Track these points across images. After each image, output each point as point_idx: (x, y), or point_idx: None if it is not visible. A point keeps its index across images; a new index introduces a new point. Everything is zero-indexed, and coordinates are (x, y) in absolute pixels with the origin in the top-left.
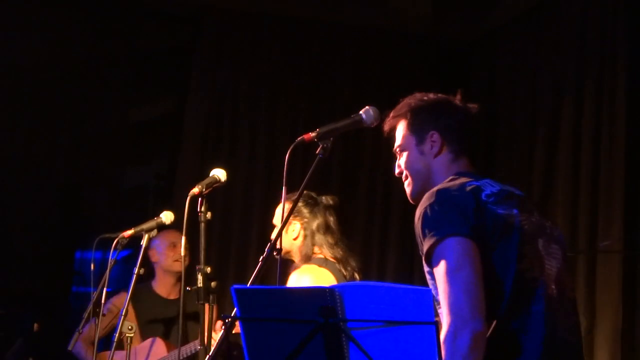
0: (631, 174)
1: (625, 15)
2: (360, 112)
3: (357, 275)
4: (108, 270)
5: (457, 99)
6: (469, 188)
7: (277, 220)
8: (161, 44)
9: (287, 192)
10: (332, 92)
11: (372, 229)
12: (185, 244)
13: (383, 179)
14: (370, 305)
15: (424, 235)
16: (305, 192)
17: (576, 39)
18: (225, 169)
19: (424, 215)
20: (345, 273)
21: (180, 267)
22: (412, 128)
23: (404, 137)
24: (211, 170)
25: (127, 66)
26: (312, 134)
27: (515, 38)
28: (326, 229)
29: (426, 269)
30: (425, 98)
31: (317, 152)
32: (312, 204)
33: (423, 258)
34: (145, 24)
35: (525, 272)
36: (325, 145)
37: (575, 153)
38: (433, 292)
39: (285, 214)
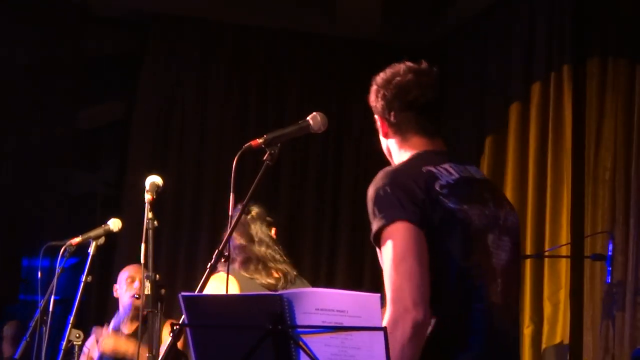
0: (577, 179)
1: (572, 21)
2: (308, 118)
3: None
4: (55, 278)
5: (413, 70)
6: (423, 175)
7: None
8: (109, 50)
9: (235, 199)
10: (281, 98)
11: (321, 234)
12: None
13: (331, 183)
14: (319, 311)
15: (374, 215)
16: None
17: (524, 44)
18: (174, 175)
19: (375, 194)
20: (256, 277)
21: (137, 302)
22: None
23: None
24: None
25: (74, 71)
26: (260, 140)
27: (464, 43)
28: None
29: (377, 249)
30: (376, 78)
31: (264, 158)
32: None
33: (372, 238)
34: (94, 29)
35: (469, 270)
36: (272, 151)
37: (523, 159)
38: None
39: (232, 223)
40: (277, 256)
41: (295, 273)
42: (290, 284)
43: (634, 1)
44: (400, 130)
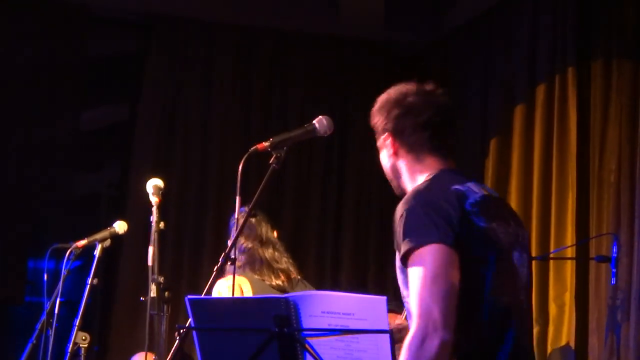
0: (582, 180)
1: (576, 21)
2: (314, 121)
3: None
4: (61, 281)
5: (422, 91)
6: (454, 194)
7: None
8: (113, 51)
9: (241, 202)
10: (284, 99)
11: (326, 237)
12: None
13: (336, 188)
14: (325, 314)
15: (405, 235)
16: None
17: (527, 45)
18: (178, 177)
19: (407, 217)
20: (265, 279)
21: None
22: (375, 129)
23: (376, 137)
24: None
25: (78, 73)
26: (266, 144)
27: (467, 44)
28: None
29: (398, 264)
30: (384, 96)
31: (270, 162)
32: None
33: (399, 256)
34: (97, 30)
35: (502, 289)
36: (278, 155)
37: (527, 162)
38: (402, 288)
39: (239, 226)
40: (284, 258)
41: (299, 276)
42: (295, 285)
43: (638, 3)
44: (413, 151)
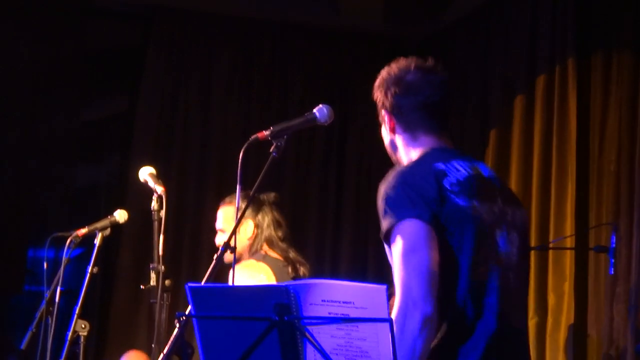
0: (582, 171)
1: (575, 13)
2: (314, 110)
3: (302, 270)
4: (62, 269)
5: (423, 68)
6: (433, 172)
7: (220, 224)
8: (112, 43)
9: (241, 191)
10: (284, 91)
11: (325, 228)
12: None
13: (335, 175)
14: (325, 303)
15: (385, 213)
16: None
17: (527, 37)
18: (177, 167)
19: (387, 194)
20: (288, 270)
21: None
22: (377, 105)
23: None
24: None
25: (78, 64)
26: (266, 132)
27: (467, 36)
28: (277, 225)
29: (386, 247)
30: (385, 72)
31: (270, 150)
32: (258, 203)
33: (382, 237)
34: (96, 22)
35: (479, 265)
36: (279, 143)
37: (527, 151)
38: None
39: (239, 213)
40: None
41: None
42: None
43: None
44: (409, 129)
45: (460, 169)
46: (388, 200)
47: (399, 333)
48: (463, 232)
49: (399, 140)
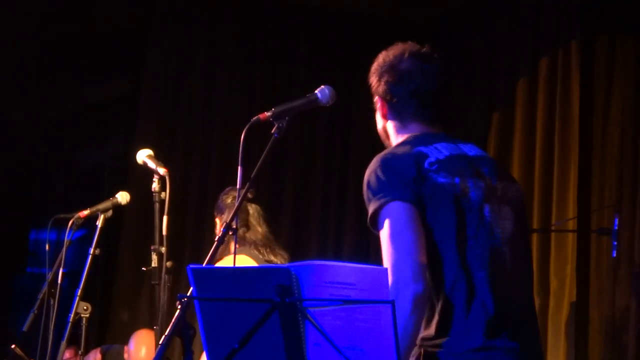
0: (584, 154)
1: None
2: (316, 91)
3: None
4: (64, 251)
5: (418, 55)
6: (413, 155)
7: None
8: (117, 25)
9: (243, 172)
10: (288, 72)
11: (329, 208)
12: None
13: (340, 158)
14: (327, 284)
15: (369, 200)
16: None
17: (532, 20)
18: (181, 149)
19: (368, 180)
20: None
21: None
22: (371, 90)
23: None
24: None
25: (82, 46)
26: (268, 114)
27: (472, 19)
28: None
29: (375, 232)
30: (380, 57)
31: (272, 131)
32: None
33: (368, 222)
34: (100, 4)
35: (467, 240)
36: (280, 124)
37: (530, 135)
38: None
39: (239, 197)
40: (272, 237)
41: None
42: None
43: None
44: (400, 116)
45: (442, 149)
46: (369, 186)
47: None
48: (447, 209)
49: (390, 126)
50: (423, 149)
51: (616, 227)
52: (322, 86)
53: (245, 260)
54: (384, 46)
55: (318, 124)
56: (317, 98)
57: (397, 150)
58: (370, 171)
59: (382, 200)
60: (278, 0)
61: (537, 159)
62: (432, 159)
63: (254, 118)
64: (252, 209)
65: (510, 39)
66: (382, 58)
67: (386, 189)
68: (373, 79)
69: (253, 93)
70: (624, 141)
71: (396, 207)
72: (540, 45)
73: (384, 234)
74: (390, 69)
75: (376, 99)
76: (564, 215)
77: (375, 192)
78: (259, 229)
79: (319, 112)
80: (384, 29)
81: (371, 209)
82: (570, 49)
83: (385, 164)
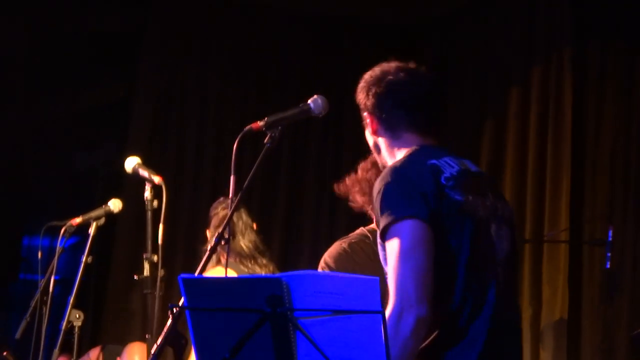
0: (577, 164)
1: (572, 4)
2: (309, 101)
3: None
4: (56, 258)
5: (403, 69)
6: (428, 168)
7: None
8: (110, 28)
9: (236, 181)
10: (282, 79)
11: (321, 217)
12: None
13: (331, 168)
14: (318, 295)
15: (382, 212)
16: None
17: (524, 28)
18: (174, 155)
19: (383, 192)
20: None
21: None
22: (360, 109)
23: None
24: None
25: (76, 50)
26: (261, 123)
27: (464, 26)
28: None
29: (379, 242)
30: (367, 75)
31: (265, 141)
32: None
33: (378, 233)
34: (94, 7)
35: (478, 262)
36: (273, 134)
37: (523, 144)
38: (383, 264)
39: (232, 206)
40: (262, 247)
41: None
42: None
43: None
44: (391, 128)
45: (452, 164)
46: (385, 197)
47: (392, 332)
48: (462, 228)
49: (381, 142)
50: (436, 162)
51: (610, 238)
52: (315, 96)
53: (224, 273)
54: (377, 53)
55: (311, 131)
56: (310, 108)
57: (411, 163)
58: (386, 182)
59: (398, 215)
60: (272, 8)
61: (529, 168)
62: (447, 175)
63: (247, 127)
64: (240, 219)
65: (503, 47)
66: (369, 74)
67: (403, 203)
68: (361, 96)
69: (246, 100)
70: (616, 150)
71: (412, 225)
72: (533, 53)
73: (394, 250)
74: (378, 81)
75: (365, 115)
76: (557, 225)
77: (390, 205)
78: (243, 240)
79: (312, 120)
80: (377, 37)
81: (384, 221)
82: (562, 57)
83: (402, 176)
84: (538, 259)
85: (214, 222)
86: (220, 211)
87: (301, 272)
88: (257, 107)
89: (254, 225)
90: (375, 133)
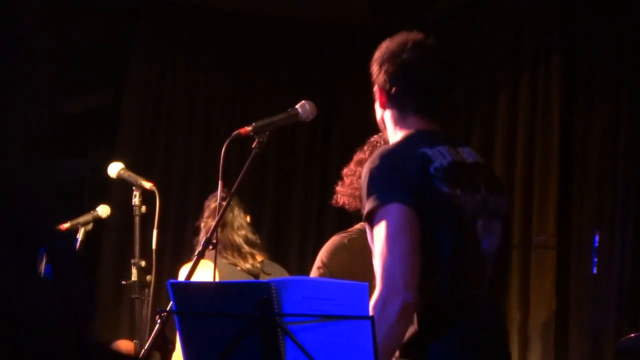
0: (565, 169)
1: (561, 12)
2: (297, 106)
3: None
4: (43, 264)
5: (421, 46)
6: (418, 157)
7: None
8: (98, 35)
9: (224, 186)
10: (269, 84)
11: (309, 222)
12: None
13: (319, 172)
14: (307, 300)
15: (368, 195)
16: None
17: (512, 35)
18: (162, 161)
19: (370, 175)
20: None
21: None
22: (372, 79)
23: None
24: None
25: (62, 57)
26: (248, 128)
27: (452, 33)
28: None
29: (367, 229)
30: (384, 46)
31: (252, 146)
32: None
33: (364, 217)
34: (82, 14)
35: (459, 255)
36: (261, 139)
37: (510, 149)
38: (372, 249)
39: (220, 210)
40: (255, 240)
41: (265, 259)
42: (264, 267)
43: None
44: (398, 107)
45: (446, 154)
46: (372, 181)
47: (377, 318)
48: (444, 220)
49: (387, 116)
50: (428, 150)
51: (597, 244)
52: (303, 101)
53: (204, 264)
54: (365, 58)
55: (299, 132)
56: (297, 113)
57: (401, 149)
58: (373, 166)
59: (385, 199)
60: (260, 13)
61: (517, 174)
62: (436, 165)
63: (235, 133)
64: (231, 211)
65: (491, 54)
66: (385, 46)
67: (388, 187)
68: (374, 67)
69: (235, 104)
70: (604, 156)
71: (397, 209)
72: (521, 60)
73: (380, 234)
74: (392, 58)
75: (375, 87)
76: (545, 230)
77: (377, 189)
78: (233, 232)
79: (300, 123)
80: (365, 41)
81: (369, 205)
82: (551, 64)
83: (389, 161)
84: (526, 264)
85: (206, 213)
86: (212, 203)
87: (290, 277)
88: (245, 112)
89: (248, 218)
90: (383, 107)
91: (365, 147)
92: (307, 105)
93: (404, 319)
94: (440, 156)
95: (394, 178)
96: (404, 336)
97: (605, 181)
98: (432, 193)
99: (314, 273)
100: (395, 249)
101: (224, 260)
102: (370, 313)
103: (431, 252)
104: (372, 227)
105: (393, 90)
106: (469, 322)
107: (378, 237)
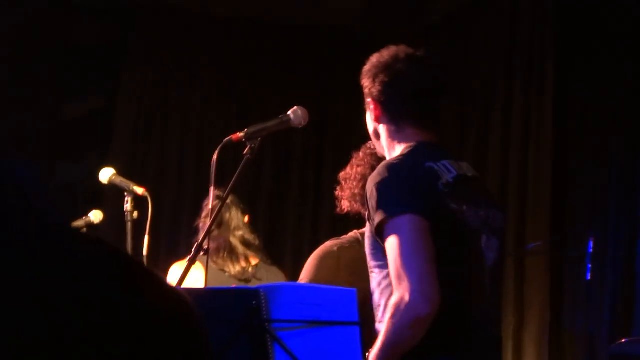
0: (558, 176)
1: (555, 20)
2: (289, 112)
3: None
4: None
5: (414, 57)
6: (425, 171)
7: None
8: (92, 40)
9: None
10: (264, 90)
11: (303, 228)
12: None
13: (313, 175)
14: (296, 306)
15: (378, 208)
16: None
17: (506, 43)
18: (156, 167)
19: (379, 189)
20: (225, 268)
21: None
22: (363, 91)
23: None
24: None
25: (57, 62)
26: (241, 134)
27: (445, 40)
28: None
29: (368, 234)
30: (375, 58)
31: (244, 152)
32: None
33: (372, 228)
34: (77, 18)
35: (463, 271)
36: (253, 145)
37: (504, 156)
38: (369, 259)
39: (212, 215)
40: (252, 241)
41: (262, 262)
42: (258, 271)
43: (615, 5)
44: (394, 119)
45: (450, 169)
46: (382, 193)
47: (390, 323)
48: (451, 237)
49: (382, 130)
50: (433, 165)
51: (591, 250)
52: (295, 107)
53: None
54: (358, 63)
55: (294, 136)
56: (290, 119)
57: (407, 162)
58: (382, 179)
59: (395, 211)
60: (254, 18)
61: (510, 183)
62: (444, 181)
63: (227, 139)
64: (228, 212)
65: (484, 62)
66: (377, 59)
67: (400, 200)
68: (366, 80)
69: (228, 110)
70: (597, 163)
71: (413, 220)
72: (514, 68)
73: (395, 245)
74: (386, 69)
75: (369, 100)
76: (539, 237)
77: (385, 202)
78: (225, 232)
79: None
80: (358, 47)
81: (381, 216)
82: (545, 73)
83: (399, 175)
84: (520, 270)
85: (204, 213)
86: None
87: (280, 283)
88: (238, 118)
89: (246, 218)
90: (377, 120)
91: (361, 152)
92: (300, 112)
93: (420, 332)
94: (445, 171)
95: (404, 190)
96: (411, 347)
97: (599, 188)
98: (442, 210)
99: (302, 277)
100: (412, 261)
101: (213, 266)
102: (387, 321)
103: (439, 268)
104: (383, 239)
105: (389, 101)
106: (473, 336)
107: (392, 248)
